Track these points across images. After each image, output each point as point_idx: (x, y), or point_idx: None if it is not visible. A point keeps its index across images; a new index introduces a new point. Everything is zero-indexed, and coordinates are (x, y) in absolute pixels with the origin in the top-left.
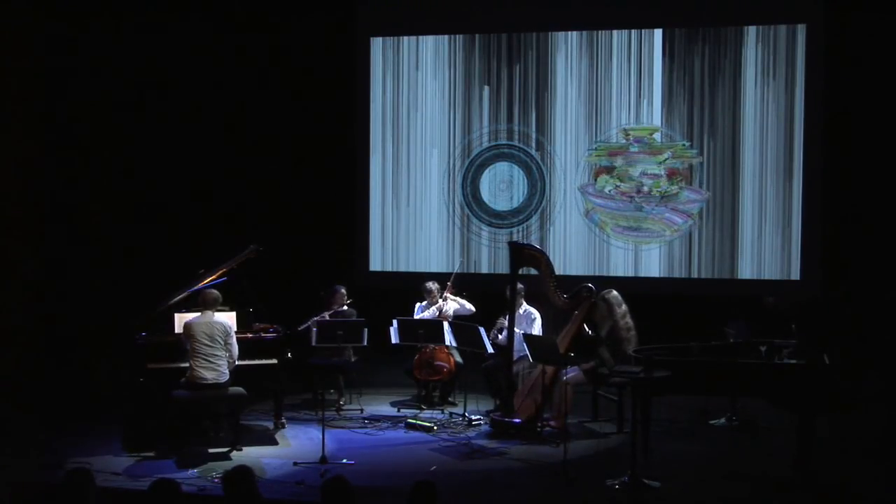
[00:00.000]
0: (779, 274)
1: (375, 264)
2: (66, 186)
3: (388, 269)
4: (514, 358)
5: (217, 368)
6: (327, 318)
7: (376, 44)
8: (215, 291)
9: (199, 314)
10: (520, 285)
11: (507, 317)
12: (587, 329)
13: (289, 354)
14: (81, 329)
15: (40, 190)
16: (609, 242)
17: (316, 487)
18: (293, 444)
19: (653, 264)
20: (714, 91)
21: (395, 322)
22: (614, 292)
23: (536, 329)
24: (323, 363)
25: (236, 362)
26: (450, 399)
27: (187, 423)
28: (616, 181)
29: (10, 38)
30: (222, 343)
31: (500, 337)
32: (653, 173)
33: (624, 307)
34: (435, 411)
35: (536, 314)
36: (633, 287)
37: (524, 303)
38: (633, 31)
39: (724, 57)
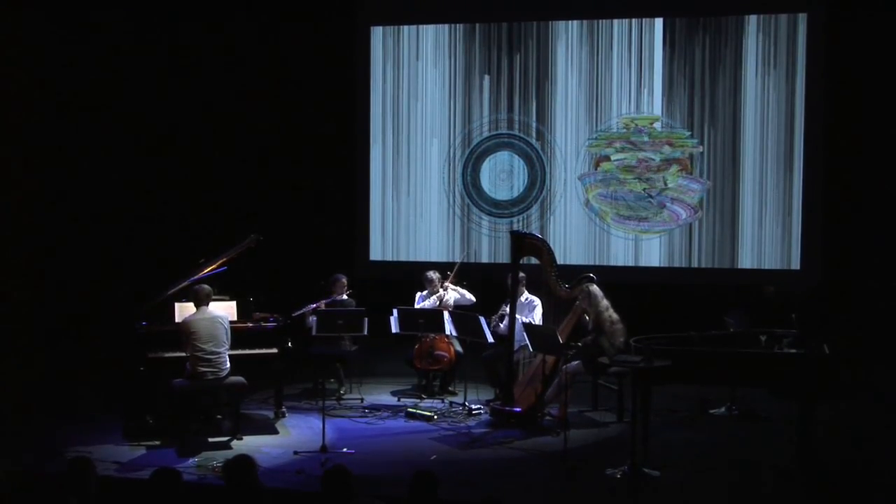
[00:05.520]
0: (779, 263)
1: (376, 254)
2: (65, 175)
3: (389, 258)
4: (515, 347)
5: (218, 366)
6: (323, 306)
7: (376, 33)
8: (206, 286)
9: (196, 311)
10: (522, 274)
11: (508, 306)
12: (588, 319)
13: (289, 344)
14: (82, 318)
15: (40, 178)
16: (609, 232)
17: (316, 476)
18: (293, 434)
19: (653, 254)
20: (715, 81)
21: (395, 311)
22: (595, 286)
23: (537, 316)
24: (323, 352)
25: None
26: (450, 388)
27: (188, 413)
28: (617, 171)
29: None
30: (226, 340)
31: (501, 325)
32: (655, 159)
33: (605, 302)
34: (435, 401)
35: (538, 301)
36: (634, 276)
37: (525, 291)
38: (633, 20)
39: (724, 46)
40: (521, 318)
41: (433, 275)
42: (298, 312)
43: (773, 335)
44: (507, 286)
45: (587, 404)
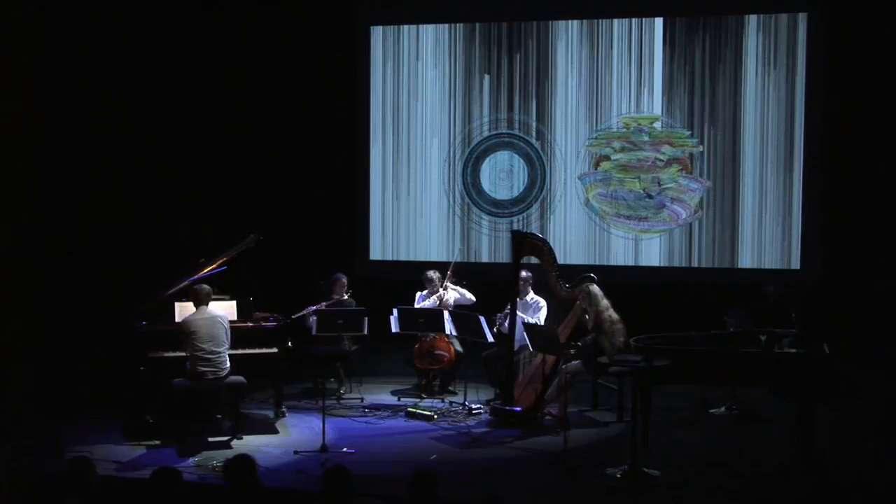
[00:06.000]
0: (779, 263)
1: (376, 253)
2: (65, 175)
3: (389, 258)
4: (515, 347)
5: (218, 365)
6: (324, 307)
7: (376, 33)
8: (206, 286)
9: (196, 310)
10: (528, 273)
11: (510, 305)
12: (588, 318)
13: (289, 343)
14: (82, 318)
15: (39, 179)
16: (609, 232)
17: (316, 476)
18: (293, 433)
19: (653, 253)
20: (715, 80)
21: (395, 311)
22: (595, 286)
23: (542, 318)
24: (323, 352)
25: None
26: (450, 388)
27: (188, 413)
28: (617, 171)
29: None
30: (226, 340)
31: (506, 324)
32: (655, 159)
33: (606, 301)
34: (435, 400)
35: (543, 303)
36: (634, 276)
37: (531, 291)
38: (633, 19)
39: (724, 46)
40: (526, 317)
41: (433, 274)
42: (299, 315)
43: (773, 335)
44: (516, 286)
45: (587, 404)
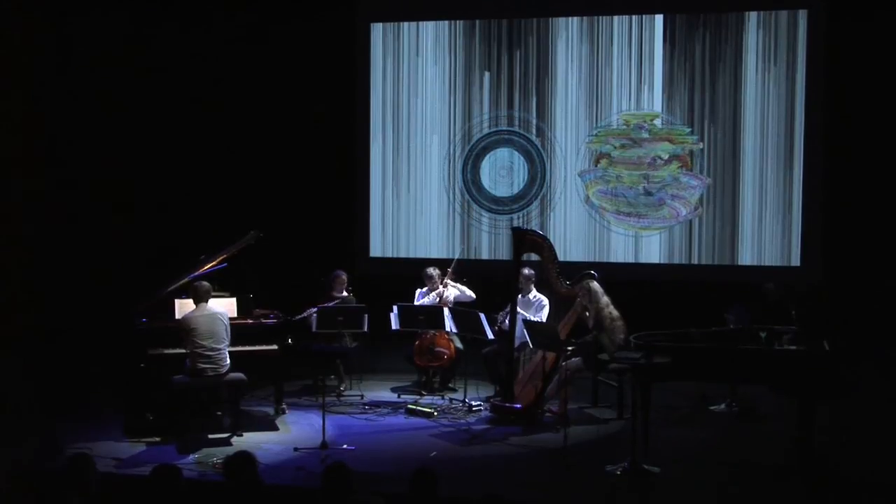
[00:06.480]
0: (779, 260)
1: (376, 250)
2: (64, 173)
3: (389, 255)
4: (516, 344)
5: (218, 362)
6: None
7: (376, 29)
8: (206, 283)
9: (196, 307)
10: (531, 271)
11: (511, 303)
12: (589, 315)
13: (289, 340)
14: (82, 315)
15: (40, 173)
16: (609, 229)
17: (316, 473)
18: (294, 430)
19: (653, 250)
20: (715, 77)
21: (395, 308)
22: (595, 283)
23: (544, 317)
24: (323, 349)
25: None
26: (450, 385)
27: (188, 409)
28: (617, 168)
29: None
30: (226, 337)
31: (507, 321)
32: (655, 156)
33: (606, 298)
34: (435, 397)
35: (546, 301)
36: (634, 273)
37: (534, 289)
38: (633, 16)
39: (724, 43)
40: (528, 315)
41: (433, 271)
42: (300, 316)
43: (773, 332)
44: (518, 284)
45: (587, 401)
